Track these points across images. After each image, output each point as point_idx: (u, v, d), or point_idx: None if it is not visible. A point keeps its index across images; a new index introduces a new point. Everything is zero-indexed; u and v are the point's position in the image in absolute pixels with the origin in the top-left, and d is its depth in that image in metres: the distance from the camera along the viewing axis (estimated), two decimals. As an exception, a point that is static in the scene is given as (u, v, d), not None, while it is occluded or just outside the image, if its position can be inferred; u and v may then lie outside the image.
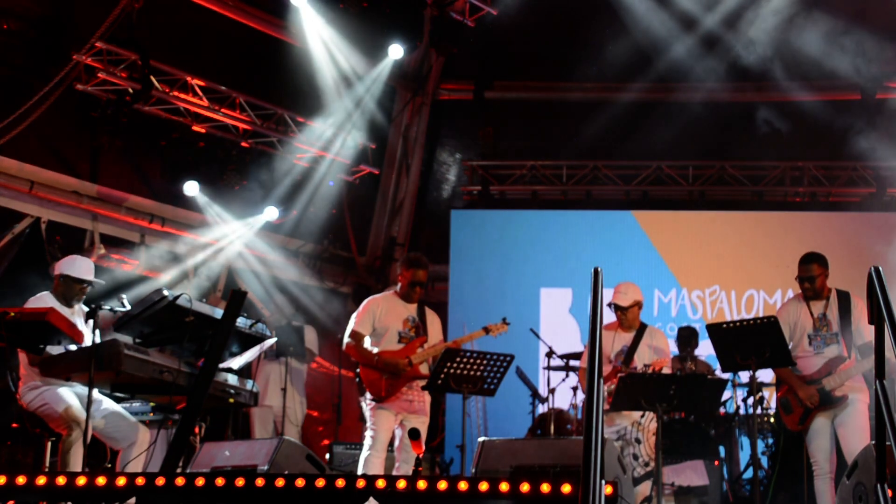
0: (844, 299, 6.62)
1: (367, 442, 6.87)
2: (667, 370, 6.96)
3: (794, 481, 7.56)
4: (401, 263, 7.31)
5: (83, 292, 6.47)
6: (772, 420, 8.85)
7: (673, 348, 9.43)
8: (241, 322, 6.14)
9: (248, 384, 6.48)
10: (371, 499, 4.30)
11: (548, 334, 9.77)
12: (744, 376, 8.85)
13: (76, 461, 6.03)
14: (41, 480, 4.42)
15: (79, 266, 6.47)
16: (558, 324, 11.30)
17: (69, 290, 6.40)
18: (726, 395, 8.60)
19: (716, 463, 7.92)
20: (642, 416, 6.87)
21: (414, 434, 5.88)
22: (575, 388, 9.14)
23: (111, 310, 6.37)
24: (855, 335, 6.54)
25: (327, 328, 10.67)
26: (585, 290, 11.21)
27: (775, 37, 11.07)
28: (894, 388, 7.53)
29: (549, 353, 9.39)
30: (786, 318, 6.72)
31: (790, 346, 6.65)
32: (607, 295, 7.13)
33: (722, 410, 8.89)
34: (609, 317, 7.17)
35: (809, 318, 6.66)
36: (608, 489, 4.07)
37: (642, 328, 7.19)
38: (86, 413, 5.77)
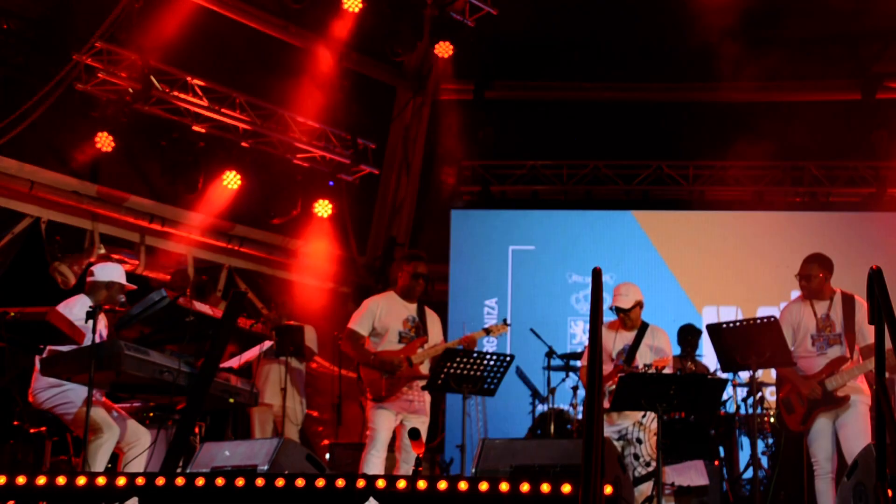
0: (848, 301, 6.64)
1: (367, 442, 6.87)
2: (668, 370, 6.97)
3: (795, 481, 7.56)
4: (400, 260, 7.33)
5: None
6: (772, 420, 8.85)
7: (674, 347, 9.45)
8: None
9: (248, 384, 6.48)
10: (371, 499, 4.31)
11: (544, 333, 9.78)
12: (744, 376, 8.85)
13: (101, 465, 6.06)
14: (41, 480, 4.43)
15: (123, 273, 6.67)
16: (557, 323, 11.33)
17: (115, 294, 6.50)
18: (726, 395, 8.60)
19: (716, 463, 7.93)
20: (643, 415, 6.88)
21: (414, 434, 5.88)
22: (575, 388, 9.14)
23: (111, 310, 6.39)
24: (858, 337, 6.55)
25: (327, 328, 10.65)
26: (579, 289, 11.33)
27: (777, 36, 11.09)
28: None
29: (550, 353, 9.39)
30: (789, 319, 6.73)
31: (793, 347, 6.66)
32: (607, 297, 7.15)
33: (722, 410, 8.90)
34: (609, 315, 7.18)
35: (813, 319, 6.67)
36: (608, 489, 4.07)
37: (644, 327, 7.20)
38: (86, 412, 5.78)
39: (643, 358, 7.08)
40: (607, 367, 7.03)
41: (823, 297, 6.72)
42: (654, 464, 6.66)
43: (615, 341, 7.16)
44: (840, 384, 6.48)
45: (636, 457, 6.82)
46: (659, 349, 7.14)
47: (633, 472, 6.75)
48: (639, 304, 7.17)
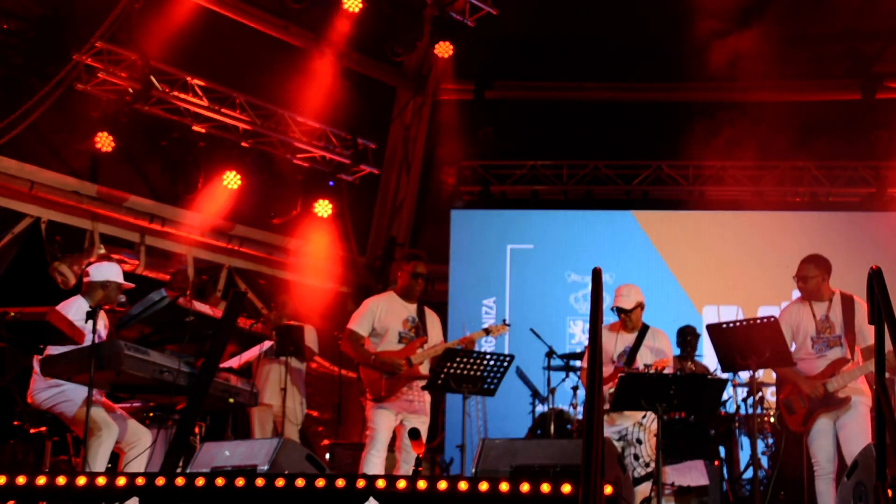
0: (848, 301, 6.63)
1: (367, 442, 6.87)
2: (668, 370, 6.96)
3: (794, 481, 7.56)
4: (399, 260, 7.33)
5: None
6: (772, 420, 8.85)
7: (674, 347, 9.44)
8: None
9: (248, 384, 6.48)
10: (371, 499, 4.30)
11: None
12: (744, 376, 8.85)
13: (101, 465, 6.06)
14: (41, 480, 4.43)
15: (120, 272, 6.62)
16: (556, 322, 11.32)
17: (112, 294, 6.48)
18: (726, 395, 8.60)
19: (716, 463, 7.92)
20: (643, 416, 6.88)
21: (414, 434, 5.88)
22: (575, 388, 9.13)
23: (111, 310, 6.39)
24: (858, 337, 6.54)
25: (327, 328, 10.67)
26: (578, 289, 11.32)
27: (777, 35, 11.09)
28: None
29: (550, 353, 9.39)
30: (788, 321, 6.72)
31: (793, 349, 6.65)
32: (607, 297, 7.14)
33: (722, 410, 8.90)
34: (609, 316, 7.18)
35: (812, 321, 6.65)
36: (608, 489, 4.07)
37: (644, 329, 7.20)
38: (86, 413, 5.78)
39: (643, 359, 7.08)
40: (608, 370, 7.03)
41: (822, 298, 6.71)
42: (653, 465, 6.67)
43: (616, 343, 7.16)
44: (841, 385, 6.47)
45: (636, 457, 6.82)
46: (659, 351, 7.14)
47: (633, 472, 6.74)
48: (640, 306, 7.17)
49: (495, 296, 11.62)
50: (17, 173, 9.37)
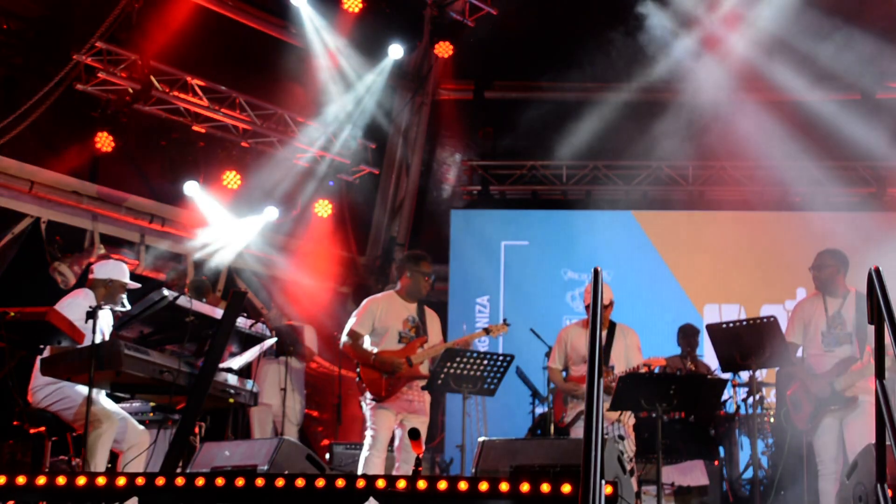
0: (862, 300, 6.60)
1: (367, 442, 6.87)
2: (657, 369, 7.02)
3: (796, 481, 7.57)
4: (406, 261, 7.32)
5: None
6: (772, 420, 8.85)
7: (674, 347, 9.44)
8: (241, 322, 6.16)
9: (248, 384, 6.48)
10: (371, 499, 4.30)
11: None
12: (744, 376, 8.85)
13: (102, 458, 6.05)
14: (41, 480, 4.42)
15: (125, 271, 6.59)
16: (553, 321, 11.31)
17: (115, 292, 6.46)
18: (726, 395, 8.60)
19: (716, 463, 7.92)
20: (620, 413, 6.92)
21: (414, 434, 5.87)
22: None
23: (111, 310, 6.39)
24: (869, 336, 6.53)
25: (327, 328, 10.68)
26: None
27: (775, 36, 11.08)
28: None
29: (549, 353, 9.38)
30: (801, 315, 6.71)
31: (804, 344, 6.64)
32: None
33: (722, 410, 8.90)
34: (581, 314, 7.21)
35: (823, 316, 6.63)
36: (608, 489, 4.06)
37: (612, 326, 7.24)
38: (86, 413, 5.78)
39: (618, 356, 7.13)
40: (582, 369, 7.05)
41: (836, 294, 6.67)
42: (634, 459, 6.77)
43: (587, 341, 7.16)
44: (848, 385, 6.45)
45: (620, 453, 6.86)
46: (637, 347, 7.22)
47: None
48: (612, 303, 7.24)
49: (489, 294, 11.62)
50: (17, 173, 9.36)
